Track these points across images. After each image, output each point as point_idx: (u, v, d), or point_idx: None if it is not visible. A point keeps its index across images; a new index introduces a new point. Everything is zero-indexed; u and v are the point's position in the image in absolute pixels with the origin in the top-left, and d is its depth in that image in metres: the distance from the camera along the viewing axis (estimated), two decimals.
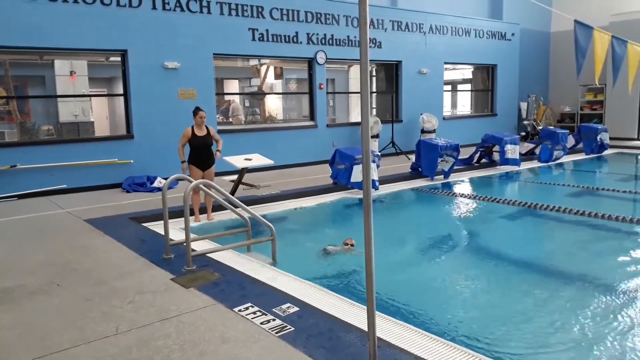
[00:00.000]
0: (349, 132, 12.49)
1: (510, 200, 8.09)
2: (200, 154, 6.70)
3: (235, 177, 7.92)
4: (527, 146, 13.57)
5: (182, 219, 4.62)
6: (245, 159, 7.76)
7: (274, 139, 11.18)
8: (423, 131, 13.25)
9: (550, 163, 12.17)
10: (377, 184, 8.66)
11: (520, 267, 5.09)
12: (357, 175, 8.39)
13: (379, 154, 9.61)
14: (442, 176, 10.22)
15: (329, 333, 3.21)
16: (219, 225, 6.69)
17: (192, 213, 6.70)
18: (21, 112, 9.99)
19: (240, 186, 7.88)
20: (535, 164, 12.18)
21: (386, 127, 12.95)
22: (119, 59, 9.36)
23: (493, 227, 6.92)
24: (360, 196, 8.27)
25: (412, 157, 11.08)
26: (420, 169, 10.24)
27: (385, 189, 9.09)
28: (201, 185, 5.04)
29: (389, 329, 3.31)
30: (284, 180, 9.46)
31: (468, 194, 9.01)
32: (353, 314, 3.56)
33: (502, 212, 7.72)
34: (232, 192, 7.40)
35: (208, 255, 4.87)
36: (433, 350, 3.04)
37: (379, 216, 7.17)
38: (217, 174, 7.42)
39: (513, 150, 11.23)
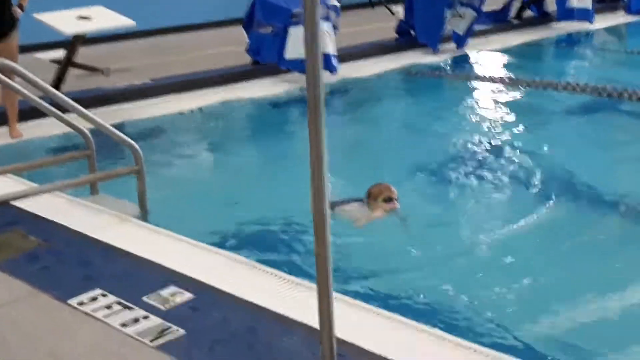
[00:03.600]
0: None
1: (577, 85, 8.31)
2: None
3: (61, 53, 7.87)
4: None
5: None
6: (80, 18, 7.68)
7: None
8: None
9: None
10: (334, 62, 8.69)
11: (603, 209, 5.33)
12: (295, 45, 8.36)
13: (338, 4, 9.55)
14: (454, 44, 10.34)
15: (250, 336, 3.28)
16: (32, 147, 6.70)
17: None
18: None
19: (74, 71, 7.84)
20: (620, 17, 12.50)
21: None
22: None
23: (548, 135, 7.11)
24: (303, 85, 8.24)
25: (399, 11, 11.08)
26: (413, 33, 10.31)
27: (350, 72, 9.14)
28: None
29: (357, 322, 3.41)
30: (157, 60, 9.47)
31: (501, 77, 9.15)
32: (294, 299, 3.64)
33: (564, 105, 7.91)
34: (57, 84, 7.36)
35: (14, 203, 4.86)
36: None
37: (340, 124, 7.27)
38: (24, 49, 7.25)
39: None
